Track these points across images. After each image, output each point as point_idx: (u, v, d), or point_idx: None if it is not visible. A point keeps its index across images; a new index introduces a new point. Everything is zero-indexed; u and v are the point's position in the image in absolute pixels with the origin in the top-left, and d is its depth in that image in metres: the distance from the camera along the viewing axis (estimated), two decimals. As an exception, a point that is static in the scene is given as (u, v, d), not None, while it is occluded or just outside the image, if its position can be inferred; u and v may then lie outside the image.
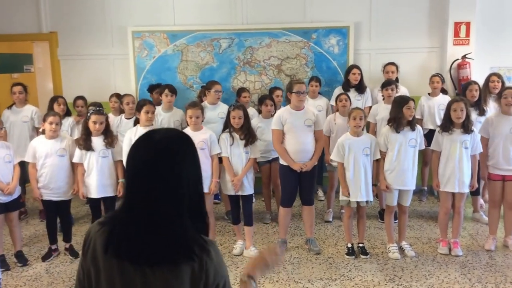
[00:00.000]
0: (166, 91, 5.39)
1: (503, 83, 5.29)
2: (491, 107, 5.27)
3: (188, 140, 1.40)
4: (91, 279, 1.40)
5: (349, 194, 4.33)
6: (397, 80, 5.91)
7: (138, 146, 1.38)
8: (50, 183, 4.39)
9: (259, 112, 5.38)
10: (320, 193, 6.20)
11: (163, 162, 1.33)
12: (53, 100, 5.43)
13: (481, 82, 5.44)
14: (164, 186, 1.32)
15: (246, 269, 1.58)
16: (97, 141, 4.36)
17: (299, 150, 4.38)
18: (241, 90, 5.90)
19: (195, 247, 1.34)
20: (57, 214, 4.58)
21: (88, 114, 4.39)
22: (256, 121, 5.20)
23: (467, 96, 5.00)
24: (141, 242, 1.32)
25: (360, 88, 5.74)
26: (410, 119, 4.29)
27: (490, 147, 4.48)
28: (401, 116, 4.27)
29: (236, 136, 4.42)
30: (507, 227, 4.60)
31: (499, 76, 5.36)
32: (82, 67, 6.58)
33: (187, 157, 1.37)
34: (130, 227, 1.33)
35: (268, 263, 1.61)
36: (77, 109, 5.80)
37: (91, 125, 4.32)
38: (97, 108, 4.47)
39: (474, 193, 5.12)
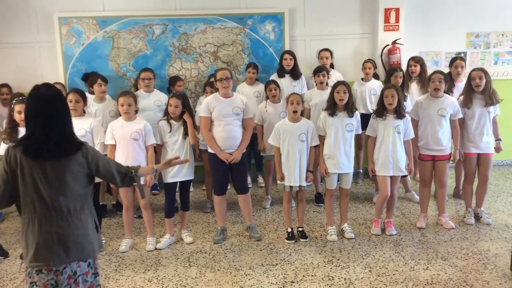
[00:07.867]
0: (99, 80, 5.10)
1: (421, 65, 5.59)
2: (414, 89, 5.55)
3: (59, 97, 2.40)
4: (15, 176, 2.25)
5: (283, 178, 4.37)
6: (332, 66, 6.00)
7: (34, 97, 2.34)
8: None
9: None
10: (260, 179, 6.22)
11: (48, 105, 2.32)
12: None
13: (410, 67, 5.69)
14: (51, 115, 2.30)
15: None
16: None
17: (226, 137, 4.37)
18: (175, 79, 5.81)
19: (77, 145, 2.36)
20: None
21: (12, 105, 4.13)
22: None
23: (391, 82, 5.16)
24: (45, 146, 2.25)
25: (295, 74, 5.74)
26: (340, 103, 4.36)
27: (420, 129, 4.65)
28: (334, 100, 4.37)
29: (174, 123, 4.33)
30: (439, 206, 4.81)
31: (416, 60, 5.64)
32: (6, 56, 6.20)
33: (59, 104, 2.38)
34: (38, 139, 2.26)
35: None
36: (1, 97, 5.57)
37: (16, 116, 4.07)
38: (21, 98, 4.21)
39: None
